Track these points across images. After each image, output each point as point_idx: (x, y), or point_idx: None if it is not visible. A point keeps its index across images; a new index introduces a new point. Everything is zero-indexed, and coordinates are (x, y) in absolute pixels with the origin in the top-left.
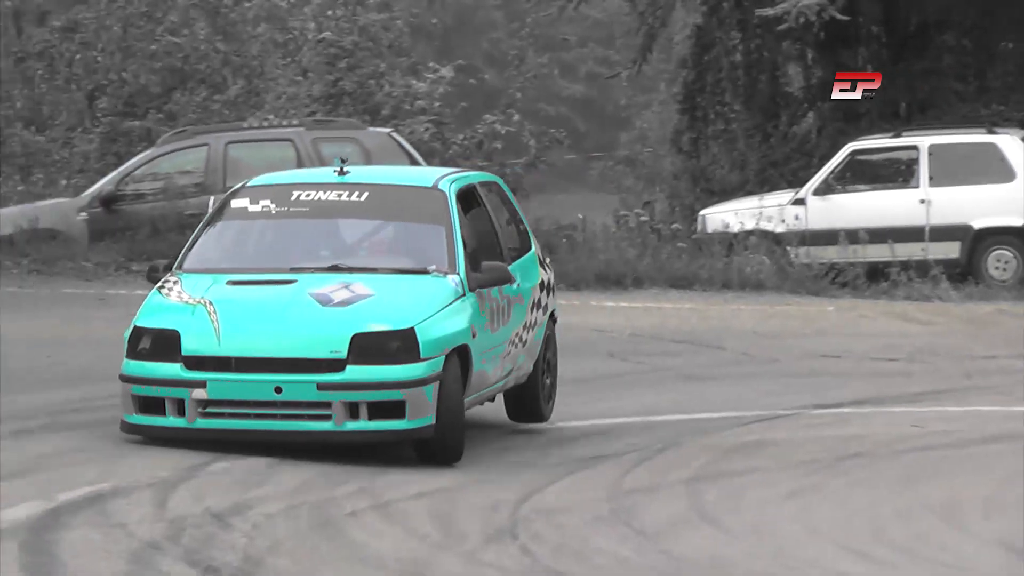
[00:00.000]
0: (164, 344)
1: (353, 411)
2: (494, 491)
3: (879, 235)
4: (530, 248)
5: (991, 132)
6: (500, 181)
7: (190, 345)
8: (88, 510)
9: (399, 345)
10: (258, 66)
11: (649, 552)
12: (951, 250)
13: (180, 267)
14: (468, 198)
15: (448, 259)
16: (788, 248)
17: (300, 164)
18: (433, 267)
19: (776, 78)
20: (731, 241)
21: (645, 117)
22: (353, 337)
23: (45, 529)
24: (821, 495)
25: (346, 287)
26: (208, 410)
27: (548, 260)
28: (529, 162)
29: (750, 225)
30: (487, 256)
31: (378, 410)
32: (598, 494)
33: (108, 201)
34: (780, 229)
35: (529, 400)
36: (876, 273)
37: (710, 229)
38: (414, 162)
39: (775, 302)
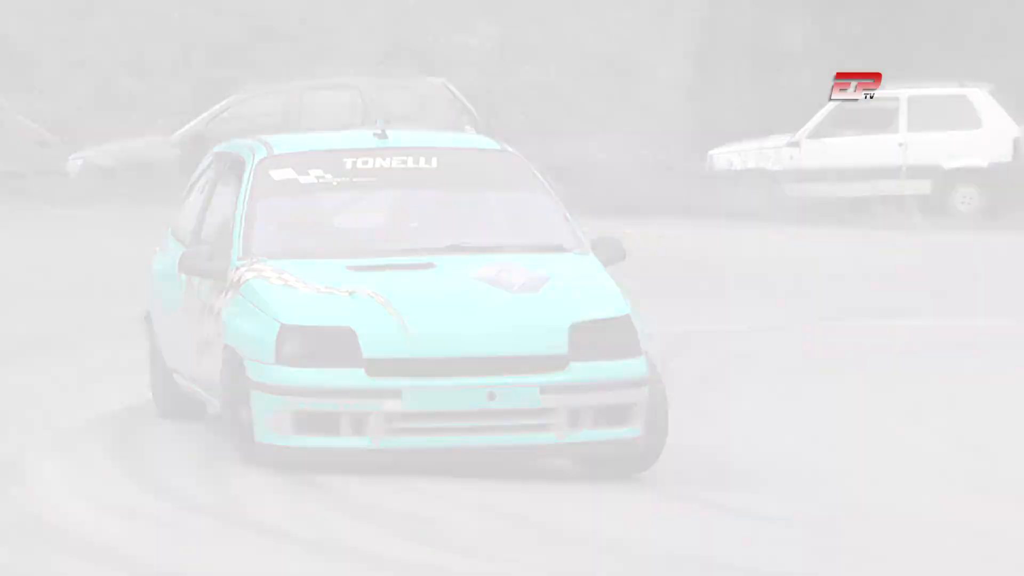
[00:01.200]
0: (335, 345)
1: (574, 418)
2: None
3: (862, 174)
4: None
5: (962, 86)
6: None
7: (373, 345)
8: None
9: (619, 336)
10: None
11: None
12: (923, 187)
13: (249, 252)
14: None
15: (572, 234)
16: (784, 184)
17: (365, 109)
18: (560, 243)
19: (779, 38)
20: (735, 177)
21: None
22: (571, 328)
23: (132, 423)
24: (803, 398)
25: (506, 269)
26: (399, 425)
27: None
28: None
29: (752, 164)
30: None
31: (603, 416)
32: None
33: (197, 139)
34: (777, 168)
35: None
36: (859, 206)
37: (717, 167)
38: (464, 108)
39: (771, 231)
